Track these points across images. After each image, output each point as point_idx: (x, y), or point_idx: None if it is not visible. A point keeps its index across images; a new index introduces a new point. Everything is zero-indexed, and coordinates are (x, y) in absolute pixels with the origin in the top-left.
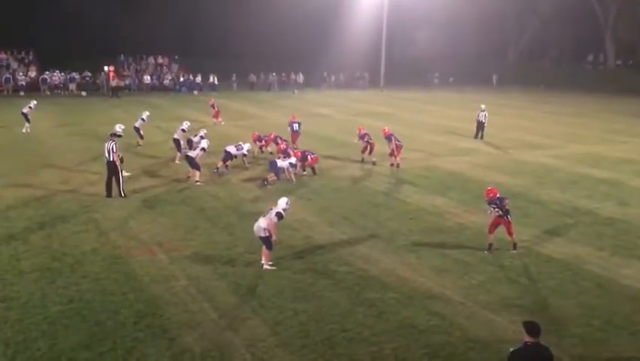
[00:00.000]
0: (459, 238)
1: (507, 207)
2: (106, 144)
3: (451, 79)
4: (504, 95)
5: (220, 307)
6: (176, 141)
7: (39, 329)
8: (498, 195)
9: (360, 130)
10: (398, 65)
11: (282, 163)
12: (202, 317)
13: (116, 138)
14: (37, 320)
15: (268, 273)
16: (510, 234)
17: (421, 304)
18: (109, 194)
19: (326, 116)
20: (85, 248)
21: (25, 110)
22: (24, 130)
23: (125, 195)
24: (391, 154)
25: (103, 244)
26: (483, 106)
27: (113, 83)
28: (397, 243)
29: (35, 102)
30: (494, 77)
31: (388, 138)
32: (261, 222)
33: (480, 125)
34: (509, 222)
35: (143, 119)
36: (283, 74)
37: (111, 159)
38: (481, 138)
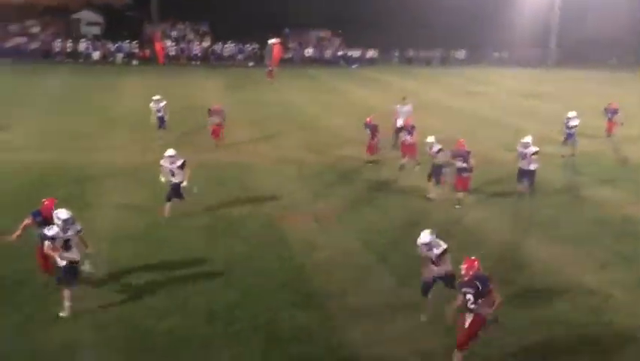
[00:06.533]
0: (623, 231)
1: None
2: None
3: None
4: None
5: (360, 277)
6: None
7: (196, 290)
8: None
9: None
10: (570, 43)
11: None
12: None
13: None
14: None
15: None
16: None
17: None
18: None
19: (484, 94)
20: (241, 212)
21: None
22: None
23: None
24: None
25: (257, 209)
26: None
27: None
28: (557, 233)
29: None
30: None
31: (613, 111)
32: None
33: None
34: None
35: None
36: (444, 50)
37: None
38: None
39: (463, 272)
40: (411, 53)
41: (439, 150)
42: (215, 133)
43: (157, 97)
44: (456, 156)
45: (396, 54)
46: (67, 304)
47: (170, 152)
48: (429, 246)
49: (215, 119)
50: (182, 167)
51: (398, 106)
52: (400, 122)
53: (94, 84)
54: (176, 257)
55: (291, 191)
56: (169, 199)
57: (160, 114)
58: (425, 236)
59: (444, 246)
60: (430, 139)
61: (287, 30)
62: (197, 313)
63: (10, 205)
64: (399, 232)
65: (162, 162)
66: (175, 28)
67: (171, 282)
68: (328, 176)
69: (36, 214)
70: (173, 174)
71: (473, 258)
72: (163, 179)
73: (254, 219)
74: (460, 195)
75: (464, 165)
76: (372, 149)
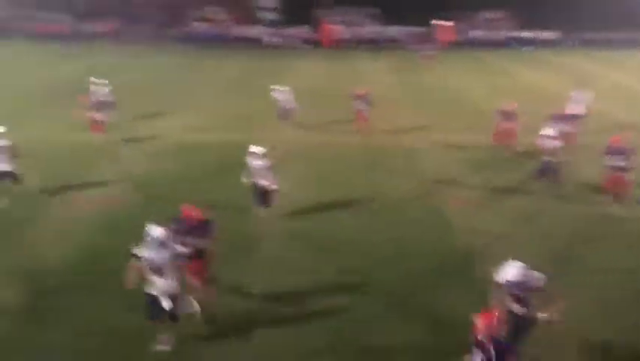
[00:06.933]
0: None
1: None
2: None
3: None
4: None
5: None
6: None
7: (354, 270)
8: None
9: None
10: None
11: None
12: None
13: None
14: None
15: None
16: None
17: None
18: None
19: None
20: (404, 195)
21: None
22: None
23: None
24: None
25: (420, 192)
26: None
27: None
28: None
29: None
30: None
31: None
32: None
33: None
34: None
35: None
36: (632, 31)
37: None
38: None
39: (478, 327)
40: (590, 34)
41: (559, 146)
42: (360, 119)
43: (276, 86)
44: (612, 153)
45: (574, 35)
46: (160, 338)
47: (254, 148)
48: (519, 286)
49: (359, 105)
50: (268, 168)
51: (573, 93)
52: (574, 110)
53: (269, 68)
54: (336, 239)
55: (454, 175)
56: (259, 204)
57: (288, 106)
58: (513, 272)
59: (540, 279)
60: (547, 132)
61: (455, 11)
62: (355, 291)
63: (193, 186)
64: (556, 227)
65: (248, 159)
66: (344, 13)
67: (330, 261)
68: (491, 161)
69: (177, 222)
70: (259, 175)
71: (492, 312)
72: (244, 179)
73: (416, 203)
74: (615, 196)
75: (622, 163)
76: (500, 137)
